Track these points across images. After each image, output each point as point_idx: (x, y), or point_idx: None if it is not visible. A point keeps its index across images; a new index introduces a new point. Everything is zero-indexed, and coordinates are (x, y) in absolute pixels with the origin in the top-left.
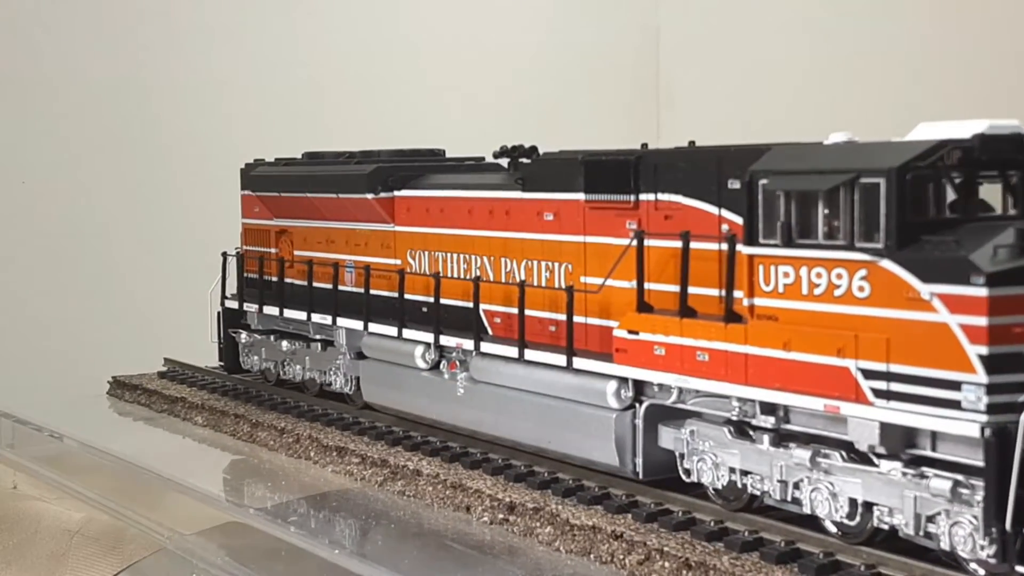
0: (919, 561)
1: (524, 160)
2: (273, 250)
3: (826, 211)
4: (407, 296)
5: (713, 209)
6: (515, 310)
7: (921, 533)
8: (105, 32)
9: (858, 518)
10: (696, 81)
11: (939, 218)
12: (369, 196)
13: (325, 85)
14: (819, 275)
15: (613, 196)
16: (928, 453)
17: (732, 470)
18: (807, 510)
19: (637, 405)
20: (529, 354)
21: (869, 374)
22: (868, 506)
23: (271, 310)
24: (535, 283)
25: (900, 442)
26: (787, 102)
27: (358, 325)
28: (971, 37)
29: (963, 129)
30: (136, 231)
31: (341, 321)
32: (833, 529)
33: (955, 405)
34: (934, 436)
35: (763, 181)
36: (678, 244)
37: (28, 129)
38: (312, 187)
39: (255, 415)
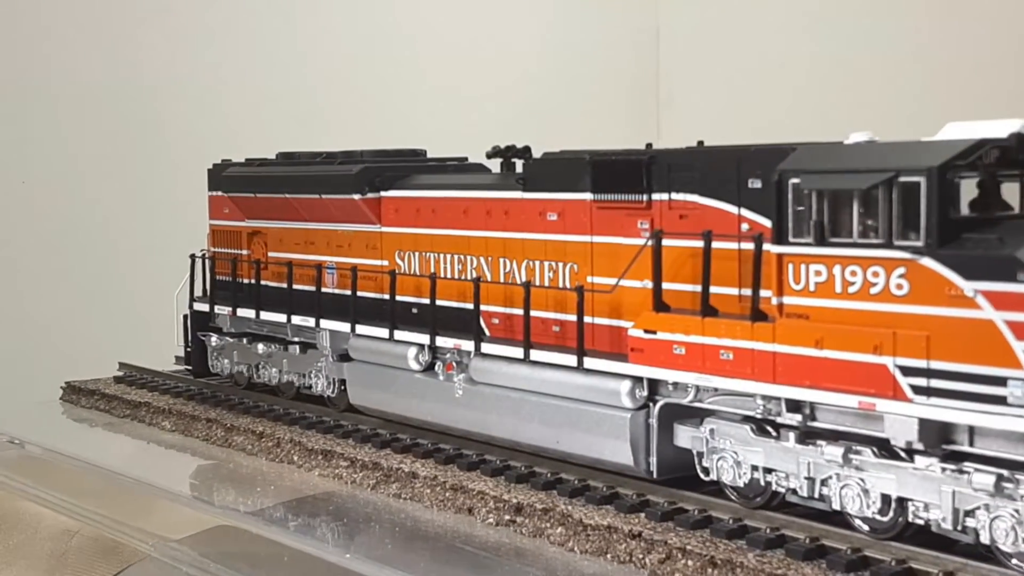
0: (950, 555)
1: (516, 160)
2: (244, 252)
3: (862, 210)
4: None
5: (732, 208)
6: (515, 311)
7: (959, 528)
8: (104, 33)
9: (890, 513)
10: (696, 81)
11: (975, 216)
12: (356, 197)
13: (312, 86)
14: (854, 273)
15: (624, 196)
16: (966, 448)
17: (754, 468)
18: (836, 506)
19: (651, 405)
20: (535, 354)
21: (908, 371)
22: (900, 502)
23: (246, 312)
24: (538, 283)
25: (937, 438)
26: (787, 102)
27: (343, 327)
28: (971, 37)
29: (997, 128)
30: (94, 234)
31: (324, 323)
32: (863, 526)
33: (1001, 401)
34: (971, 431)
35: (793, 180)
36: (694, 244)
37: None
38: (291, 188)
39: (228, 419)
